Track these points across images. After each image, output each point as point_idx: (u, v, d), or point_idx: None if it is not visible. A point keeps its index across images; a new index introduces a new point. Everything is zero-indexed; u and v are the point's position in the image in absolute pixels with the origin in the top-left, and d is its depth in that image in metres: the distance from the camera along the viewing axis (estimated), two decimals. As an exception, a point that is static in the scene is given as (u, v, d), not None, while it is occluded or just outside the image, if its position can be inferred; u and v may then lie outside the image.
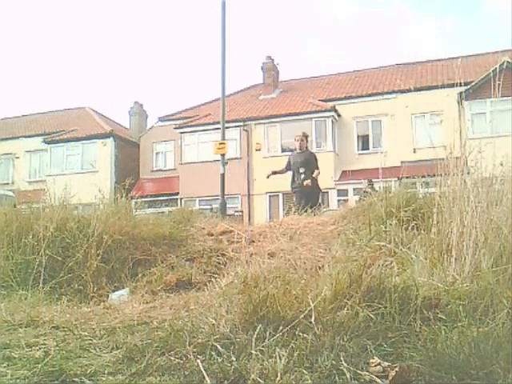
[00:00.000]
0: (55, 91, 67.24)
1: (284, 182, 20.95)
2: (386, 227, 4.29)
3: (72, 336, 2.53)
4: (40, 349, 2.27)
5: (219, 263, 5.34)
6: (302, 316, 2.26)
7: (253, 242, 6.04)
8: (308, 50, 71.53)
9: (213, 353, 1.96)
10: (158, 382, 1.77)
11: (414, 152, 19.46)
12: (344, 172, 21.14)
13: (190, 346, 2.07)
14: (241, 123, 22.80)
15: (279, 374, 1.71)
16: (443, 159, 3.66)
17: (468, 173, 3.59)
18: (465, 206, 3.16)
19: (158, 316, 3.02)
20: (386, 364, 1.78)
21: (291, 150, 22.25)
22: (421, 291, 2.42)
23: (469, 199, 3.17)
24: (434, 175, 3.86)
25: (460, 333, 1.94)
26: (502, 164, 3.68)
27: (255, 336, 2.08)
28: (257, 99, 25.65)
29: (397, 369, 1.70)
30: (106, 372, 1.90)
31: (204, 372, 1.76)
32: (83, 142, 26.01)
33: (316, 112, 22.02)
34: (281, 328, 2.13)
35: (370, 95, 22.68)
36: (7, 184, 24.17)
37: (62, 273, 4.81)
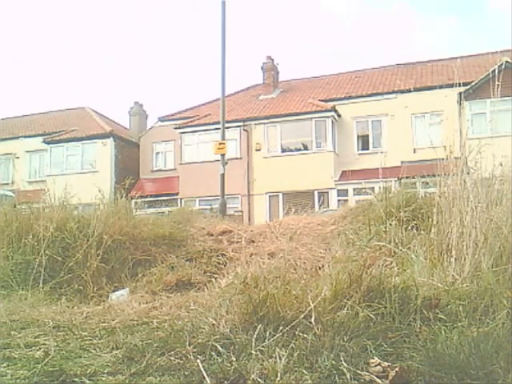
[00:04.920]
0: (55, 91, 67.21)
1: (284, 182, 20.97)
2: (385, 227, 4.29)
3: (72, 336, 2.53)
4: (40, 349, 2.27)
5: (219, 263, 5.34)
6: (302, 316, 2.26)
7: (253, 241, 6.04)
8: (308, 49, 71.52)
9: (213, 353, 1.96)
10: (158, 381, 1.77)
11: (414, 152, 19.46)
12: (344, 172, 21.12)
13: (189, 346, 2.07)
14: (241, 123, 22.80)
15: (279, 374, 1.70)
16: (443, 159, 3.66)
17: (468, 173, 3.59)
18: (465, 206, 3.16)
19: (157, 316, 3.02)
20: (386, 364, 1.78)
21: (291, 150, 22.30)
22: (421, 291, 2.42)
23: (468, 199, 3.17)
24: (434, 175, 3.86)
25: (460, 333, 1.94)
26: (501, 164, 3.68)
27: (255, 336, 2.08)
28: (257, 99, 25.65)
29: (397, 369, 1.70)
30: (106, 372, 1.90)
31: (204, 372, 1.76)
32: (83, 142, 25.99)
33: (316, 112, 22.01)
34: (281, 328, 2.13)
35: (370, 95, 22.68)
36: (7, 184, 24.14)
37: (61, 273, 4.81)
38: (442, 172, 3.61)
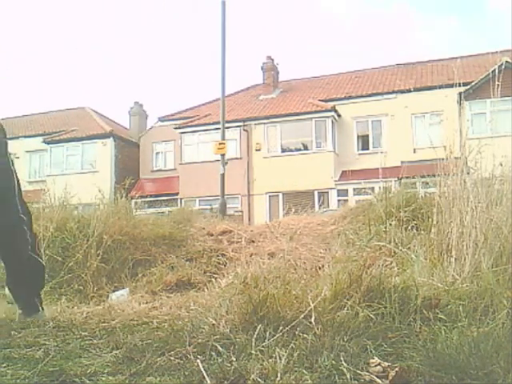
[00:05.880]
0: (55, 91, 67.21)
1: (284, 183, 20.98)
2: (385, 227, 4.29)
3: (72, 336, 2.53)
4: (40, 349, 2.27)
5: (219, 263, 5.35)
6: (302, 316, 2.26)
7: (253, 242, 6.04)
8: (308, 49, 71.56)
9: (213, 353, 1.96)
10: (158, 382, 1.76)
11: (414, 152, 19.46)
12: (344, 172, 21.12)
13: (189, 346, 2.07)
14: (241, 123, 22.81)
15: (279, 374, 1.70)
16: (443, 159, 3.66)
17: (468, 173, 3.60)
18: (465, 206, 3.16)
19: (157, 316, 3.02)
20: (386, 364, 1.78)
21: (291, 150, 22.32)
22: (421, 291, 2.42)
23: (468, 199, 3.17)
24: (434, 175, 3.86)
25: (460, 333, 1.94)
26: (501, 164, 3.69)
27: (255, 336, 2.07)
28: (257, 99, 25.66)
29: (397, 369, 1.70)
30: (106, 372, 1.90)
31: (204, 372, 1.76)
32: (83, 142, 26.01)
33: (316, 112, 22.02)
34: (281, 328, 2.13)
35: (370, 95, 22.69)
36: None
37: (62, 273, 4.82)
38: (441, 172, 3.61)
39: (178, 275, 4.87)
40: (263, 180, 21.96)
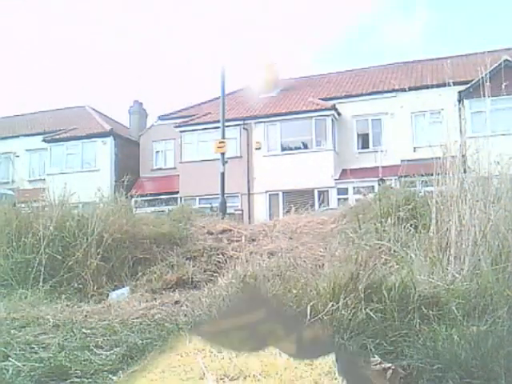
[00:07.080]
0: (55, 90, 67.11)
1: (284, 181, 20.95)
2: (385, 226, 4.29)
3: (72, 334, 2.54)
4: (40, 347, 2.27)
5: (219, 262, 5.34)
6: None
7: (253, 240, 6.04)
8: (308, 49, 71.54)
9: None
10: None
11: (414, 151, 19.43)
12: (344, 171, 21.06)
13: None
14: (241, 122, 22.75)
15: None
16: (443, 158, 3.66)
17: (464, 171, 3.59)
18: (463, 204, 3.16)
19: (158, 314, 3.03)
20: (387, 364, 1.78)
21: (291, 149, 22.30)
22: (420, 289, 2.42)
23: (466, 198, 3.17)
24: (434, 174, 3.86)
25: (460, 331, 1.94)
26: (498, 163, 3.68)
27: (255, 334, 2.08)
28: (257, 98, 25.62)
29: (393, 367, 1.71)
30: (107, 370, 1.90)
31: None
32: (83, 140, 25.95)
33: (316, 111, 21.96)
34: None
35: (370, 94, 22.63)
36: (7, 183, 24.10)
37: (61, 271, 4.81)
38: (441, 171, 3.61)
39: (178, 274, 4.87)
40: (263, 179, 21.92)
